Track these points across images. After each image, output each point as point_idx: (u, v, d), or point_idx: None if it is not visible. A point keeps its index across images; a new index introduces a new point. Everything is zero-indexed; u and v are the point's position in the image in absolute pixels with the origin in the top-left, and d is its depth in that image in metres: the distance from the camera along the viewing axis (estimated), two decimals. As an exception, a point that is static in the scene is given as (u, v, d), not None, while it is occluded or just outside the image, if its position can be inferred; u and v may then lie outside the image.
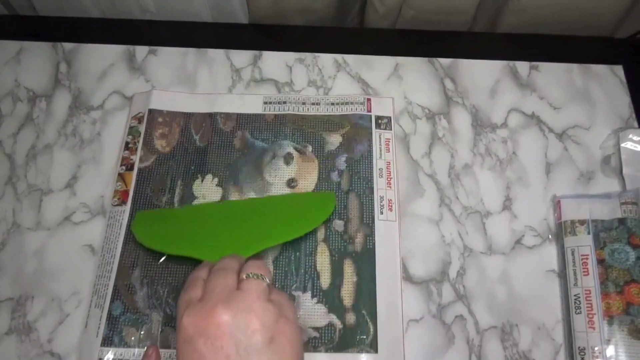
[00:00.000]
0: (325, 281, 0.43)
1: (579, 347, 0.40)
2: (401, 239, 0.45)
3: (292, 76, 0.53)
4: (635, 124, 0.50)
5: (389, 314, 0.42)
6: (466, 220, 0.46)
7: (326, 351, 0.40)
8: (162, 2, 0.55)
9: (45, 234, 0.45)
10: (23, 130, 0.50)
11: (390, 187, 0.46)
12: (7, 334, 0.41)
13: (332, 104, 0.50)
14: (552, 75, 0.53)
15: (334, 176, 0.47)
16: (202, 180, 0.47)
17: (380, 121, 0.49)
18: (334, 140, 0.48)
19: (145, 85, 0.52)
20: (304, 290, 0.42)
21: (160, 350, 0.38)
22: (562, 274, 0.43)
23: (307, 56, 0.54)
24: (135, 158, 0.47)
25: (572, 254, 0.43)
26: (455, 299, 0.43)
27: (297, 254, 0.44)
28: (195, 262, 0.39)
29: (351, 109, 0.50)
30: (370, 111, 0.50)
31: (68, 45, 0.54)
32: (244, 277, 0.32)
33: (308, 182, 0.47)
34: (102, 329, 0.40)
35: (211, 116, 0.49)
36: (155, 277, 0.42)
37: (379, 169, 0.47)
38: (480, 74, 0.53)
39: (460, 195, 0.47)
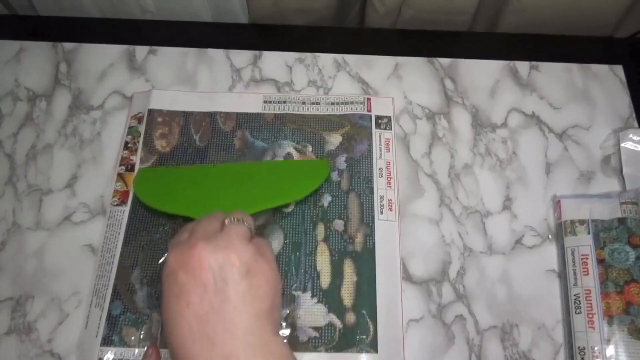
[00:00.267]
0: (325, 281, 0.43)
1: (579, 347, 0.40)
2: (401, 239, 0.45)
3: (292, 76, 0.53)
4: (635, 123, 0.50)
5: (389, 313, 0.42)
6: (466, 220, 0.46)
7: (326, 351, 0.40)
8: (162, 2, 0.55)
9: (45, 234, 0.45)
10: (23, 130, 0.50)
11: (390, 187, 0.46)
12: (7, 334, 0.41)
13: (332, 103, 0.50)
14: (552, 75, 0.53)
15: (334, 176, 0.47)
16: (202, 180, 0.47)
17: (380, 121, 0.49)
18: (334, 140, 0.48)
19: (145, 85, 0.52)
20: (304, 290, 0.42)
21: (161, 350, 0.38)
22: (562, 274, 0.43)
23: (307, 56, 0.54)
24: (136, 158, 0.47)
25: (572, 253, 0.43)
26: (455, 299, 0.43)
27: (297, 253, 0.44)
28: None
29: (351, 109, 0.50)
30: (370, 111, 0.50)
31: (68, 45, 0.54)
32: (227, 222, 0.34)
33: (308, 182, 0.47)
34: (102, 328, 0.41)
35: (211, 116, 0.49)
36: (155, 277, 0.42)
37: (379, 169, 0.47)
38: (480, 74, 0.53)
39: (460, 195, 0.47)
